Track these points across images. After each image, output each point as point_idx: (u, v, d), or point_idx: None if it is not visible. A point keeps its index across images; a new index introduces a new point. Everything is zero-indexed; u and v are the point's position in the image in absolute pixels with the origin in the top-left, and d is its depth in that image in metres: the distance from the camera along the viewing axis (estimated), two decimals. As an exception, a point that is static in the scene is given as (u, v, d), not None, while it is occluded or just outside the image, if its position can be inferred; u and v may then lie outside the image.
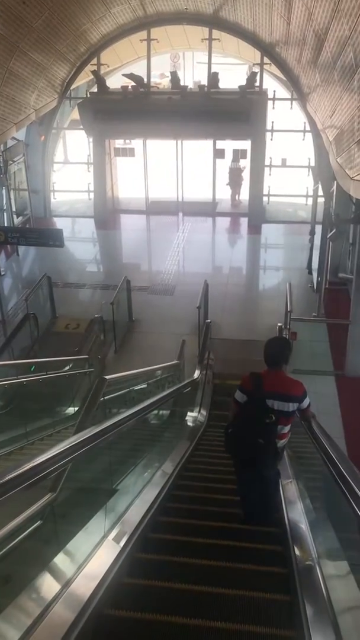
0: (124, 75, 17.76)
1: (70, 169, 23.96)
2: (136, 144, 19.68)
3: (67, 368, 9.82)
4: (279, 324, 11.41)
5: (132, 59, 19.99)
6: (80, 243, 18.85)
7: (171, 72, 17.61)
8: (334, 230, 12.71)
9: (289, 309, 11.56)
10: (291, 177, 19.56)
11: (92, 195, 19.78)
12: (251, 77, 17.27)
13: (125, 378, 6.60)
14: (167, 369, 9.35)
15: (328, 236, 12.57)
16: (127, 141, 20.69)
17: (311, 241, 15.58)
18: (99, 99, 18.12)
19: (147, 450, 6.44)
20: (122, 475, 4.90)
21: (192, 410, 9.41)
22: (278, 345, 4.78)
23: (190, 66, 27.83)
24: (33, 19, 14.01)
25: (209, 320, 12.02)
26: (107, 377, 4.87)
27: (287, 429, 4.68)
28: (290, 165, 19.29)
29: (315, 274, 14.44)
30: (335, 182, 15.01)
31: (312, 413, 4.88)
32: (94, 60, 18.46)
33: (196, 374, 9.50)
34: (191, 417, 9.14)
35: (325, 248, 13.26)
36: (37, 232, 12.38)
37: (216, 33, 17.91)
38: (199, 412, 9.47)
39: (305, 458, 5.66)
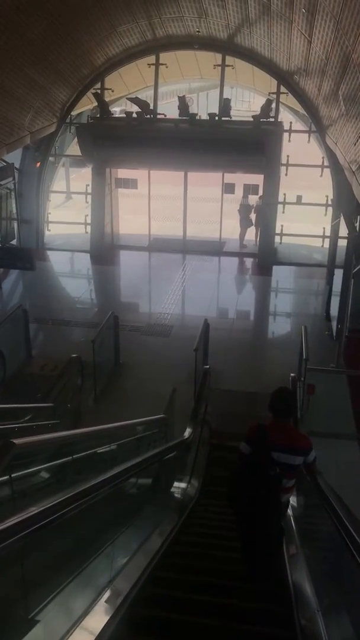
0: (128, 99, 16.48)
1: (72, 202, 22.77)
2: (140, 175, 18.19)
3: (27, 418, 7.85)
4: (292, 375, 9.43)
5: (139, 87, 18.79)
6: (72, 278, 17.17)
7: (179, 97, 16.27)
8: (359, 267, 10.91)
9: (304, 357, 9.62)
10: (307, 216, 17.96)
11: (89, 228, 18.18)
12: (266, 106, 15.86)
13: (57, 441, 4.61)
14: (150, 424, 7.37)
15: (353, 271, 10.74)
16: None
17: (329, 283, 13.79)
18: (99, 123, 16.75)
19: (109, 538, 4.45)
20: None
21: (180, 480, 7.38)
22: (285, 397, 4.67)
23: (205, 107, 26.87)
24: (29, 29, 12.70)
25: (207, 367, 10.05)
26: (16, 441, 2.96)
27: (291, 482, 4.66)
28: (306, 202, 17.68)
29: (334, 321, 12.59)
30: (359, 216, 13.41)
31: (318, 470, 4.76)
32: (98, 85, 17.22)
33: (187, 432, 7.49)
34: (178, 489, 7.10)
35: (347, 291, 11.44)
36: (3, 252, 10.57)
37: (229, 60, 16.65)
38: (189, 482, 7.44)
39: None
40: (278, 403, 4.57)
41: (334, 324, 12.59)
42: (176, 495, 7.09)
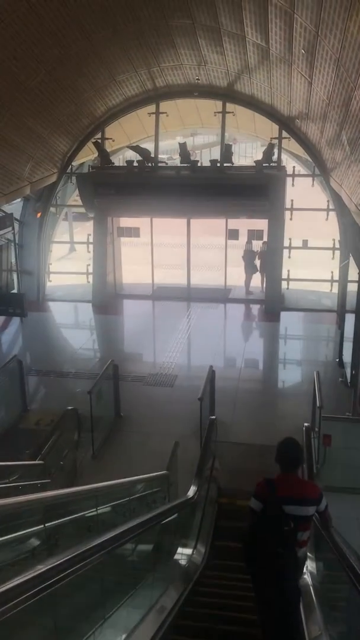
0: (129, 147, 16.32)
1: (75, 255, 22.53)
2: (142, 223, 17.90)
3: (14, 477, 7.10)
4: (306, 424, 8.66)
5: (140, 137, 18.71)
6: (72, 328, 16.64)
7: (180, 144, 16.10)
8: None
9: (318, 404, 8.88)
10: (313, 260, 17.50)
11: (91, 277, 17.77)
12: (268, 151, 15.64)
13: (33, 504, 3.89)
14: (150, 483, 6.61)
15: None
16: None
17: (341, 328, 13.15)
18: (100, 172, 16.56)
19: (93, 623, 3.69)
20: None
21: (184, 545, 6.56)
22: (293, 447, 4.54)
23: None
24: (27, 78, 12.60)
25: (213, 417, 9.28)
26: None
27: (306, 535, 4.55)
28: (313, 247, 17.24)
29: (347, 367, 11.90)
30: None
31: (330, 516, 4.73)
32: (99, 135, 17.14)
33: (191, 490, 6.71)
34: (183, 555, 6.28)
35: (360, 334, 10.80)
36: (-6, 298, 10.06)
37: (230, 106, 16.57)
38: (195, 548, 6.61)
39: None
40: (285, 454, 4.48)
41: (348, 370, 11.90)
42: (180, 563, 6.27)
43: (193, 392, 10.20)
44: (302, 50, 11.06)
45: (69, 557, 3.07)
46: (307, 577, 6.05)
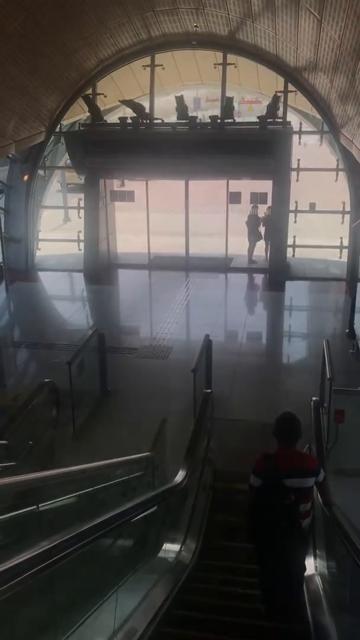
0: (121, 101, 15.03)
1: (70, 225, 21.32)
2: (137, 187, 16.69)
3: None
4: (314, 399, 7.56)
5: (136, 95, 17.38)
6: (62, 299, 15.54)
7: (176, 97, 14.79)
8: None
9: (328, 376, 7.79)
10: (321, 228, 16.30)
11: (82, 245, 16.63)
12: (273, 104, 14.34)
13: None
14: (131, 466, 5.56)
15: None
16: (121, 184, 17.70)
17: (352, 296, 12.01)
18: (91, 130, 15.32)
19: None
20: None
21: (172, 541, 5.53)
22: (291, 421, 4.53)
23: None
24: (5, 21, 11.34)
25: (209, 391, 8.19)
26: None
27: (308, 506, 4.55)
28: (321, 210, 16.00)
29: None
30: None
31: (328, 485, 4.77)
32: (90, 91, 15.86)
33: (179, 475, 5.65)
34: (169, 552, 5.25)
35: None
36: None
37: (232, 58, 15.24)
38: (183, 543, 5.58)
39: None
40: (284, 428, 4.51)
41: (360, 342, 10.82)
42: (164, 563, 5.25)
43: (189, 365, 9.06)
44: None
45: (14, 563, 2.38)
46: (317, 579, 5.05)
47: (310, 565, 5.17)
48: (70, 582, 3.39)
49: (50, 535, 3.14)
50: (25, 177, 16.22)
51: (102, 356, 9.64)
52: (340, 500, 5.32)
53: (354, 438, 7.61)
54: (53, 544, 2.94)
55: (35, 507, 3.67)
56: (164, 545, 5.43)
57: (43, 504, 3.68)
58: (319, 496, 4.93)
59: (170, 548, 5.42)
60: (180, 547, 5.52)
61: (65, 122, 16.46)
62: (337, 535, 4.13)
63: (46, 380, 8.16)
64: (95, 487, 4.38)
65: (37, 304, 14.84)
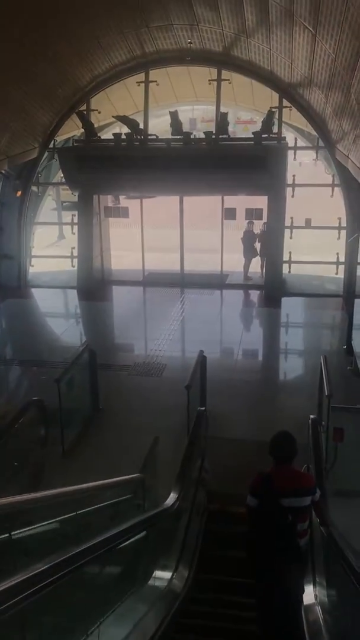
0: (115, 117, 14.93)
1: (65, 242, 21.14)
2: (132, 204, 16.55)
3: None
4: (312, 417, 7.29)
5: (130, 112, 17.33)
6: (54, 316, 15.32)
7: (171, 113, 14.70)
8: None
9: (326, 393, 7.53)
10: (317, 244, 16.15)
11: (76, 262, 16.42)
12: (267, 120, 14.27)
13: None
14: (120, 488, 5.26)
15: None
16: (113, 201, 17.56)
17: (349, 312, 11.80)
18: (84, 146, 15.20)
19: None
20: None
21: (163, 567, 5.23)
22: (287, 439, 4.51)
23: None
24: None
25: (202, 408, 7.91)
26: None
27: (306, 525, 4.48)
28: (317, 226, 15.86)
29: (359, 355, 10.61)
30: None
31: (325, 509, 4.75)
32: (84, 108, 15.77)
33: (170, 498, 5.36)
34: (160, 581, 4.95)
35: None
36: None
37: (226, 74, 15.19)
38: (176, 570, 5.27)
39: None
40: (279, 447, 4.47)
41: (360, 360, 10.58)
42: (157, 590, 4.94)
43: (183, 382, 8.77)
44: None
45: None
46: (317, 609, 4.74)
47: (310, 594, 4.88)
48: (48, 617, 3.11)
49: (26, 565, 2.87)
50: (19, 194, 16.06)
51: (93, 373, 9.36)
52: (340, 523, 5.05)
53: (354, 458, 7.33)
54: (26, 576, 2.68)
55: (7, 535, 3.38)
56: (154, 572, 5.12)
57: (17, 532, 3.39)
58: (315, 516, 4.84)
59: (161, 576, 5.10)
60: (172, 575, 5.21)
61: (59, 138, 16.35)
62: (334, 557, 4.04)
63: (34, 398, 7.87)
64: (78, 512, 4.07)
65: (29, 321, 14.60)
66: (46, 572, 2.82)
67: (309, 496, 4.43)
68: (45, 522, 3.80)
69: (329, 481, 6.90)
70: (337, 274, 15.42)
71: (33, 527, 3.56)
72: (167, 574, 5.13)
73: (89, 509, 4.55)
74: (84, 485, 4.43)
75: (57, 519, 3.90)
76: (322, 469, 6.25)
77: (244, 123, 32.48)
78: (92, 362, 9.28)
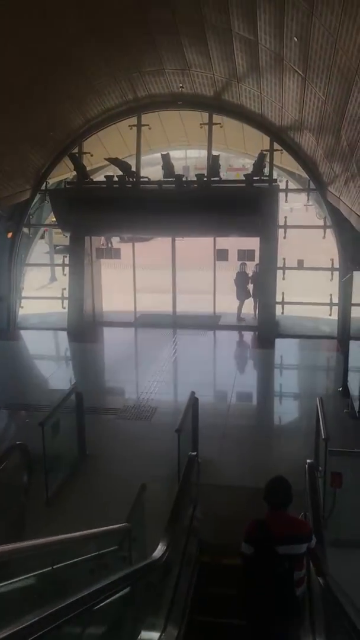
0: (107, 159, 14.96)
1: (57, 284, 20.98)
2: (124, 246, 16.46)
3: None
4: (309, 461, 6.94)
5: (123, 155, 17.45)
6: (43, 358, 15.00)
7: (162, 155, 14.77)
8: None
9: (323, 436, 7.20)
10: (310, 286, 16.05)
11: (67, 303, 16.21)
12: (259, 162, 14.33)
13: None
14: (104, 539, 4.88)
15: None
16: (103, 243, 17.48)
17: (344, 354, 11.56)
18: (76, 188, 15.19)
19: None
20: None
21: (151, 627, 4.80)
22: (282, 484, 4.41)
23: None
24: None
25: (194, 453, 7.53)
26: None
27: (302, 573, 4.41)
28: (309, 267, 15.77)
29: (356, 401, 10.31)
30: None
31: (321, 557, 4.49)
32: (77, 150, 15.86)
33: (159, 549, 4.97)
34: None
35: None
36: None
37: (217, 118, 15.35)
38: (164, 630, 4.85)
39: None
40: (274, 492, 4.38)
41: (357, 403, 10.26)
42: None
43: (174, 426, 8.42)
44: (295, 38, 9.82)
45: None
46: None
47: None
48: None
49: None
50: (10, 235, 15.97)
51: (80, 417, 8.99)
52: (340, 575, 4.71)
53: (354, 505, 6.94)
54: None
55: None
56: (141, 633, 4.69)
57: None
58: (312, 565, 4.67)
59: (148, 637, 4.67)
60: (160, 635, 4.77)
61: (52, 180, 16.39)
62: (335, 613, 3.77)
63: (17, 442, 7.49)
64: (55, 567, 3.70)
65: (18, 363, 14.25)
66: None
67: (305, 543, 4.31)
68: (16, 579, 3.44)
69: (328, 530, 6.51)
70: (330, 315, 15.26)
71: (1, 584, 3.19)
72: (154, 635, 4.70)
73: (67, 562, 4.17)
74: (63, 537, 4.06)
75: (31, 574, 3.52)
76: (319, 517, 5.87)
77: (236, 170, 32.99)
78: (79, 405, 8.93)
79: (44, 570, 3.60)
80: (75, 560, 4.18)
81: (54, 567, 3.66)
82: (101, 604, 3.52)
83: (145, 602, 4.84)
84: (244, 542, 4.38)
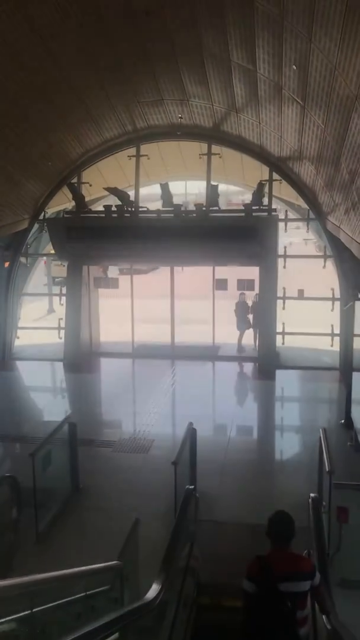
0: (106, 189, 14.89)
1: (54, 317, 20.76)
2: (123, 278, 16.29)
3: None
4: (313, 495, 6.56)
5: (121, 186, 17.43)
6: (38, 389, 14.64)
7: (161, 185, 14.71)
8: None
9: (327, 469, 6.84)
10: (311, 314, 15.82)
11: (63, 333, 15.95)
12: (258, 192, 14.26)
13: None
14: (93, 578, 4.50)
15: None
16: (102, 272, 17.34)
17: (347, 385, 11.26)
18: (74, 217, 15.09)
19: None
20: None
21: None
22: (284, 519, 4.30)
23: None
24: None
25: (192, 487, 7.14)
26: None
27: (305, 612, 4.30)
28: (310, 297, 15.56)
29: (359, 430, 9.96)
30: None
31: (326, 596, 4.37)
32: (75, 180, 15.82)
33: (152, 590, 4.59)
34: None
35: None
36: None
37: (216, 148, 15.36)
38: None
39: None
40: (277, 528, 4.28)
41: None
42: None
43: (171, 459, 8.07)
44: (294, 66, 9.82)
45: None
46: None
47: None
48: None
49: None
50: (7, 264, 15.81)
51: (73, 448, 8.63)
52: (347, 618, 4.37)
53: (356, 542, 6.54)
54: None
55: None
56: None
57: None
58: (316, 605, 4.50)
59: None
60: None
61: (50, 210, 16.32)
62: None
63: (6, 475, 7.12)
64: (34, 610, 3.34)
65: (11, 394, 13.89)
66: None
67: (307, 581, 4.19)
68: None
69: (333, 569, 6.10)
70: (332, 346, 14.97)
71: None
72: None
73: (50, 605, 3.80)
74: (45, 575, 3.70)
75: (5, 619, 3.16)
76: (324, 554, 5.49)
77: (235, 205, 33.06)
78: (72, 437, 8.57)
79: (22, 614, 3.24)
80: (59, 602, 3.80)
81: (33, 610, 3.29)
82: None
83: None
84: (245, 579, 4.24)
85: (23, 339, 16.74)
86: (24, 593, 3.38)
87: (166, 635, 5.00)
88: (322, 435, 7.83)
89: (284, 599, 4.03)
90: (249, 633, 4.16)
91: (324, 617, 4.33)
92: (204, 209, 14.73)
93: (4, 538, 6.89)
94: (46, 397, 14.24)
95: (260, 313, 15.35)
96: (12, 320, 16.28)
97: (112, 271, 20.34)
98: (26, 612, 3.29)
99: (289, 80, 10.37)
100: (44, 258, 19.00)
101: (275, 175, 14.89)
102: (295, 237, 16.60)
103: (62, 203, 16.64)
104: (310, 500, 6.38)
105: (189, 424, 8.46)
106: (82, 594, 4.23)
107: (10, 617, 3.22)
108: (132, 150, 15.65)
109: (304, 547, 5.77)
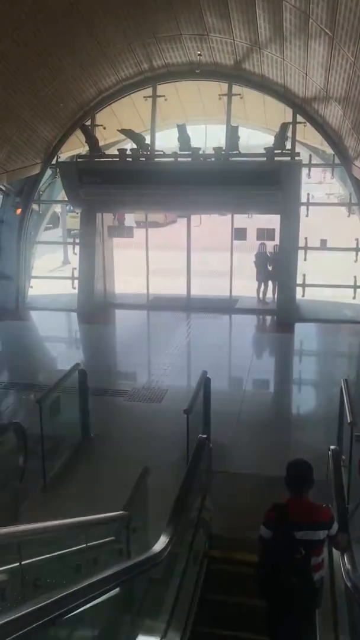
0: (120, 130, 14.23)
1: (69, 268, 20.40)
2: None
3: None
4: (332, 447, 6.19)
5: (137, 129, 16.68)
6: (52, 339, 14.37)
7: (178, 126, 13.98)
8: None
9: (349, 420, 6.45)
10: (333, 266, 15.24)
11: (77, 283, 15.58)
12: (281, 134, 13.49)
13: None
14: (96, 529, 4.21)
15: None
16: (117, 221, 16.80)
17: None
18: (87, 160, 14.49)
19: None
20: None
21: (149, 631, 4.14)
22: (303, 468, 4.31)
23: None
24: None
25: (204, 436, 6.81)
26: None
27: (320, 558, 4.28)
28: (332, 247, 14.93)
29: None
30: None
31: (344, 542, 4.36)
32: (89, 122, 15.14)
33: (160, 543, 4.29)
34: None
35: None
36: None
37: (237, 89, 14.54)
38: (164, 636, 4.18)
39: None
40: (295, 475, 4.25)
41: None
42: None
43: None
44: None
45: None
46: None
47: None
48: None
49: None
50: (19, 211, 15.33)
51: (84, 396, 8.32)
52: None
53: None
54: None
55: None
56: (137, 638, 4.03)
57: None
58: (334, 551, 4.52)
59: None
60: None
61: (63, 155, 15.70)
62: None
63: (13, 420, 6.85)
64: (32, 560, 3.03)
65: (24, 344, 13.64)
66: None
67: (324, 530, 4.20)
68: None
69: (354, 525, 5.77)
70: (354, 298, 14.43)
71: None
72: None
73: (51, 555, 3.50)
74: (42, 525, 3.38)
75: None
76: (344, 508, 5.16)
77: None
78: (82, 384, 8.26)
79: (10, 566, 2.93)
80: (58, 553, 3.50)
81: (22, 563, 2.98)
82: (83, 607, 2.85)
83: (143, 603, 4.18)
84: (262, 525, 4.29)
85: (37, 289, 16.42)
86: (15, 543, 3.07)
87: (174, 591, 4.74)
88: (343, 386, 7.43)
89: (298, 546, 4.04)
90: (263, 579, 4.21)
91: (343, 573, 4.21)
92: (223, 152, 14.02)
93: (9, 486, 6.66)
94: (59, 346, 13.97)
95: (279, 263, 14.77)
96: (26, 270, 15.91)
97: (129, 220, 19.83)
98: (14, 565, 2.98)
99: (317, 7, 9.55)
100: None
101: (300, 118, 14.07)
102: (317, 192, 15.81)
103: (75, 148, 15.99)
104: (330, 452, 6.03)
105: (203, 372, 8.08)
106: (82, 545, 3.94)
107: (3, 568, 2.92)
108: (148, 91, 14.89)
109: (322, 501, 5.43)
